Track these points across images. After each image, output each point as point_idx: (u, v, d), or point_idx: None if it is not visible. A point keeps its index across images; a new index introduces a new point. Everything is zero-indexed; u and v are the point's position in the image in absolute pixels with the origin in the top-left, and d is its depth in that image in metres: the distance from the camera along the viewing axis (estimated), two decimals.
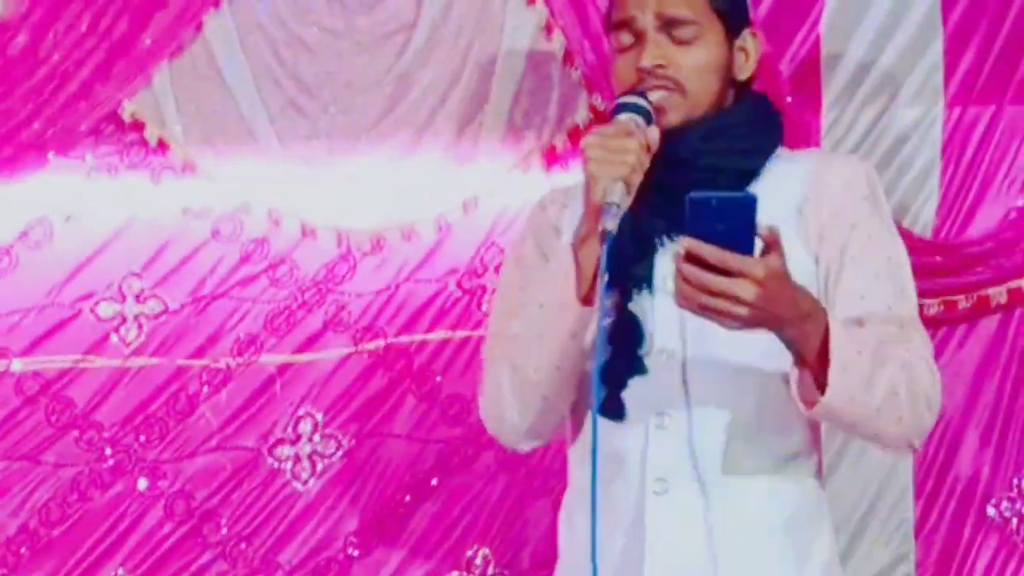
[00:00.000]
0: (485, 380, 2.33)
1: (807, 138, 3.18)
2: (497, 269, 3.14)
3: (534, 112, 3.14)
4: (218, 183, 3.10)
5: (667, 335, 2.23)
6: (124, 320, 3.10)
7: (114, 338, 3.10)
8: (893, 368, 2.16)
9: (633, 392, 2.22)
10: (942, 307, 3.22)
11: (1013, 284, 3.23)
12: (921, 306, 3.14)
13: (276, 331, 3.13)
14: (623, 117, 2.18)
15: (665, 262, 2.18)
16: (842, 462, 3.23)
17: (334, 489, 3.16)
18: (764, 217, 2.06)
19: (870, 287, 2.25)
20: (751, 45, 2.37)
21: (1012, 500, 3.27)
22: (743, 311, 1.99)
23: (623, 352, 2.21)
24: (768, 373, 2.20)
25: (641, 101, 2.21)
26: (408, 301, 3.16)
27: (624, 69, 2.30)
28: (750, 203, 1.97)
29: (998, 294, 3.23)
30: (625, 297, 2.22)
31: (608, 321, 2.19)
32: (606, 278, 2.09)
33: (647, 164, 2.15)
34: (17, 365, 3.07)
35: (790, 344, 2.08)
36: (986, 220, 3.25)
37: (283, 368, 3.14)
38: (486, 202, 3.15)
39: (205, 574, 3.13)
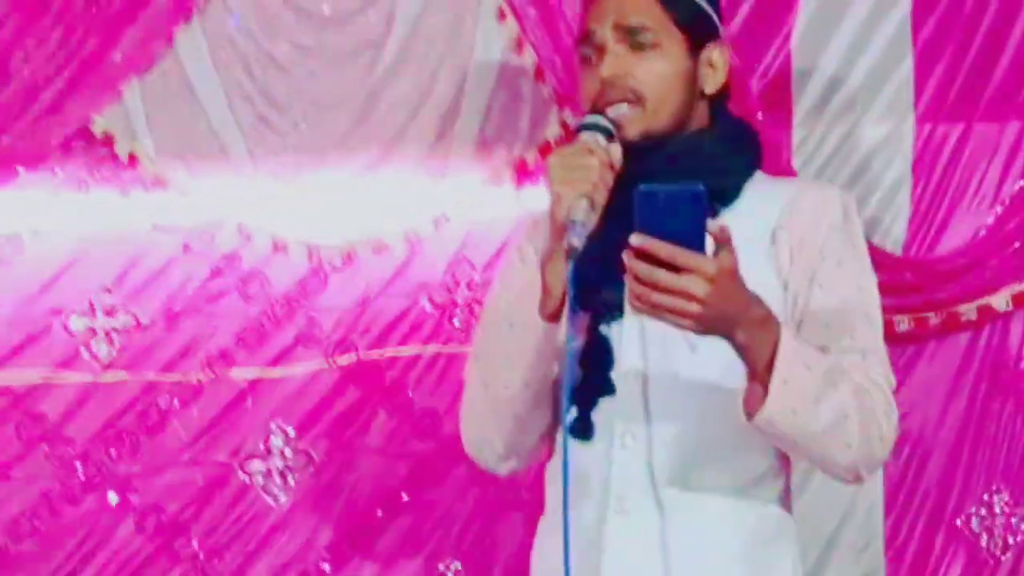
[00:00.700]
0: (464, 401, 2.35)
1: (778, 154, 3.18)
2: (469, 285, 3.15)
3: (505, 127, 3.15)
4: (189, 198, 3.09)
5: (630, 355, 2.23)
6: (95, 335, 3.09)
7: (85, 353, 3.09)
8: (845, 392, 2.15)
9: (598, 411, 2.23)
10: (912, 323, 3.23)
11: (983, 301, 3.24)
12: (891, 322, 3.20)
13: (247, 346, 3.13)
14: (584, 136, 2.19)
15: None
16: (813, 477, 3.23)
17: (306, 503, 3.15)
18: (738, 240, 2.06)
19: (836, 315, 2.25)
20: (718, 59, 2.36)
21: (982, 516, 3.28)
22: (695, 308, 1.98)
23: (593, 373, 2.22)
24: (730, 394, 2.18)
25: (601, 120, 2.22)
26: (379, 316, 3.16)
27: (588, 82, 2.30)
28: (700, 196, 1.95)
29: (968, 311, 3.24)
30: (595, 318, 2.22)
31: (578, 341, 2.20)
32: (571, 294, 2.09)
33: (610, 181, 2.15)
34: None
35: (741, 351, 2.07)
36: (956, 237, 3.26)
37: (254, 383, 3.13)
38: (457, 217, 3.15)
39: None
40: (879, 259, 3.15)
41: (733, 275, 2.02)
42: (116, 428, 3.10)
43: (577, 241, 2.07)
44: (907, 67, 3.24)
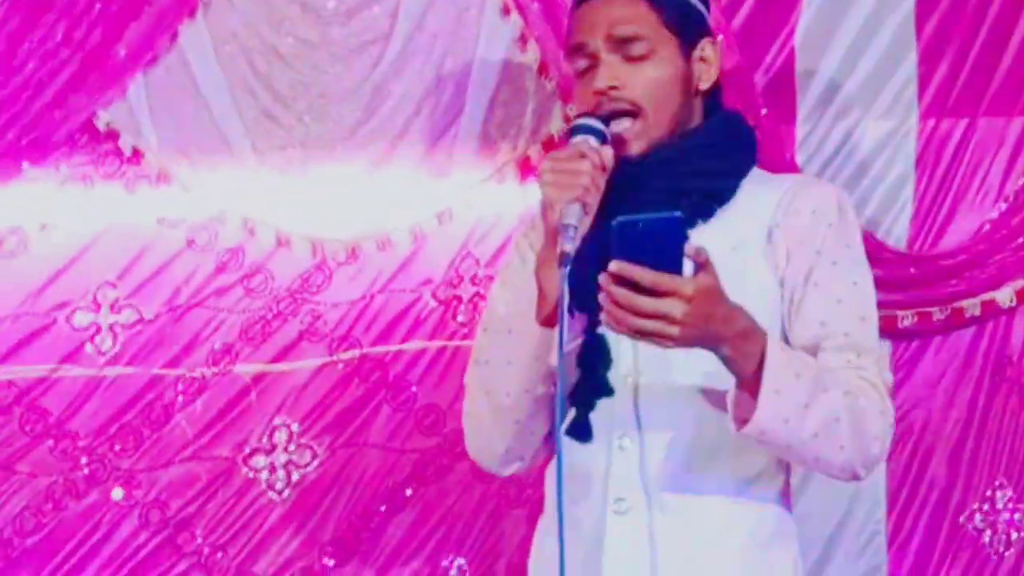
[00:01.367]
0: (466, 406, 2.36)
1: (781, 151, 3.18)
2: (473, 280, 3.15)
3: (509, 123, 3.14)
4: (193, 193, 3.10)
5: (625, 356, 2.24)
6: (99, 329, 3.10)
7: (89, 347, 3.10)
8: (836, 395, 2.16)
9: (598, 413, 2.23)
10: (916, 319, 3.23)
11: (987, 296, 3.23)
12: (895, 318, 3.20)
13: (251, 341, 3.13)
14: (576, 139, 2.20)
15: None
16: (815, 474, 3.23)
17: (309, 499, 3.15)
18: (734, 239, 2.08)
19: (831, 313, 2.25)
20: (711, 53, 2.37)
21: (985, 512, 3.27)
22: (674, 331, 2.00)
23: (591, 374, 2.22)
24: (724, 395, 2.20)
25: (593, 122, 2.22)
26: (383, 311, 3.16)
27: (583, 94, 2.31)
28: (676, 224, 1.97)
29: (972, 306, 3.23)
30: (592, 319, 2.22)
31: (576, 343, 2.20)
32: (567, 300, 2.10)
33: (602, 184, 2.16)
34: None
35: (728, 363, 2.09)
36: (960, 232, 3.26)
37: (258, 378, 3.13)
38: (461, 213, 3.15)
39: None
40: (883, 254, 3.18)
41: (712, 293, 2.02)
42: (120, 423, 3.11)
43: (569, 246, 2.08)
44: (911, 63, 3.23)
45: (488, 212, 3.15)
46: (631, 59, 2.27)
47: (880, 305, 3.15)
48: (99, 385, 3.10)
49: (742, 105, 3.15)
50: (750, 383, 2.09)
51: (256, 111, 3.09)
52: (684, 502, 2.24)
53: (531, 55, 3.14)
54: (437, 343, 3.17)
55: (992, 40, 3.24)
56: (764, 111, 3.17)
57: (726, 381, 2.16)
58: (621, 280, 1.98)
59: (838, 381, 2.18)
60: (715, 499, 2.26)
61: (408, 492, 3.16)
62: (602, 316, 2.03)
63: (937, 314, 3.23)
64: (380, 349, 3.16)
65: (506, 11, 3.13)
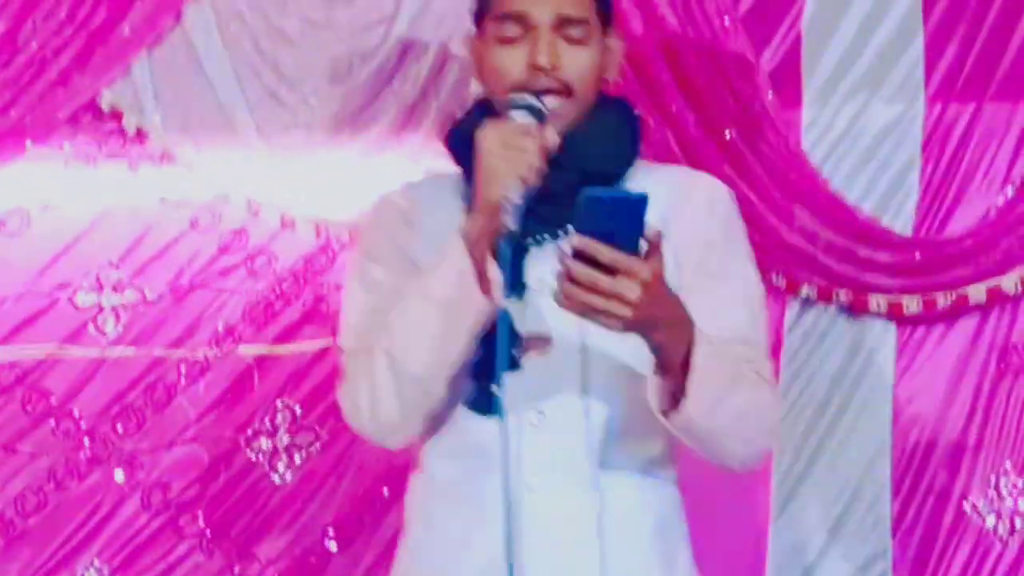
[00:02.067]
0: (353, 374, 2.26)
1: (787, 135, 3.18)
2: None
3: None
4: (197, 173, 3.09)
5: (540, 333, 2.22)
6: (101, 310, 3.09)
7: (91, 328, 3.09)
8: (747, 388, 2.18)
9: (508, 388, 2.18)
10: (921, 305, 3.22)
11: (992, 282, 3.22)
12: (900, 304, 3.20)
13: (254, 322, 3.13)
14: (518, 115, 2.18)
15: (538, 263, 2.20)
16: (820, 459, 3.24)
17: (312, 481, 3.15)
18: None
19: (724, 307, 2.25)
20: (615, 45, 2.38)
21: (990, 498, 3.27)
22: (627, 312, 1.99)
23: (496, 348, 2.18)
24: (637, 376, 2.21)
25: (535, 102, 2.20)
26: None
27: (511, 63, 2.26)
28: (642, 202, 1.97)
29: (977, 292, 3.22)
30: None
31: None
32: (507, 275, 2.11)
33: (542, 167, 2.14)
34: None
35: (658, 350, 2.09)
36: (966, 218, 3.25)
37: (261, 360, 3.13)
38: None
39: (182, 566, 3.13)
40: (888, 240, 3.17)
41: (661, 278, 2.03)
42: (122, 404, 3.11)
43: (512, 222, 2.08)
44: (918, 47, 3.22)
45: None
46: (571, 41, 2.26)
47: (885, 291, 3.20)
48: (101, 366, 3.10)
49: (746, 90, 3.16)
50: (674, 371, 2.10)
51: (261, 92, 3.09)
52: (595, 480, 2.24)
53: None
54: None
55: (999, 25, 3.23)
56: (770, 95, 3.17)
57: (639, 360, 2.17)
58: (580, 255, 1.97)
59: (747, 375, 2.20)
60: (625, 478, 2.27)
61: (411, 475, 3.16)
62: (550, 289, 2.02)
63: (942, 300, 3.22)
64: None
65: None
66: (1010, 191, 3.25)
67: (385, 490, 3.15)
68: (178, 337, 3.12)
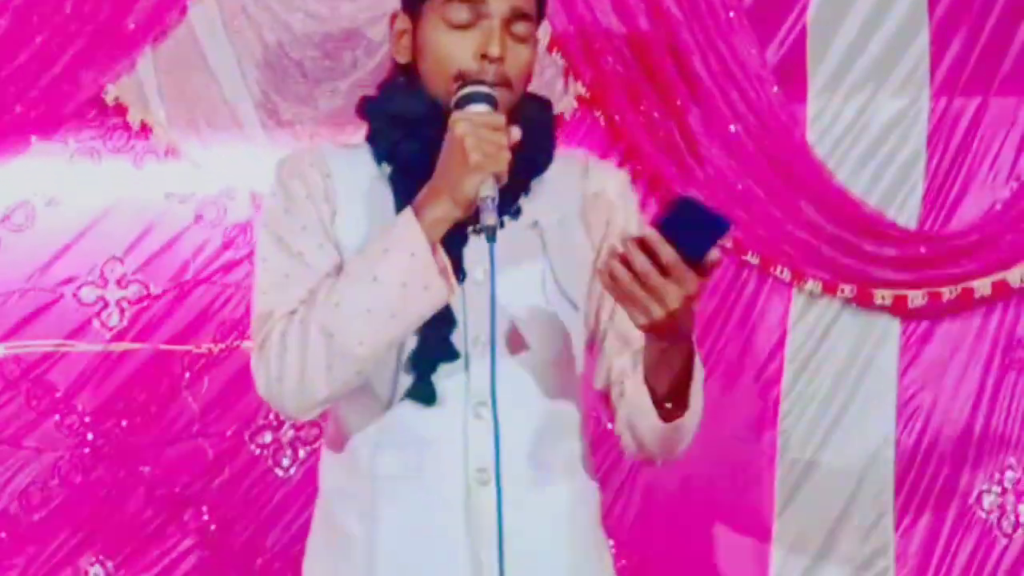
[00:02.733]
0: (279, 343, 2.16)
1: (792, 128, 3.18)
2: None
3: None
4: (201, 168, 3.09)
5: (479, 325, 2.20)
6: (106, 304, 3.09)
7: (96, 323, 3.09)
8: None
9: (451, 380, 2.20)
10: (926, 299, 3.22)
11: (997, 276, 3.23)
12: (905, 297, 3.19)
13: None
14: (483, 108, 2.15)
15: (474, 253, 2.19)
16: (824, 455, 3.24)
17: (315, 475, 3.10)
18: (558, 212, 2.18)
19: None
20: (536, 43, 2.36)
21: (994, 493, 3.27)
22: (661, 314, 2.01)
23: (436, 338, 2.19)
24: (567, 374, 2.25)
25: (491, 91, 2.17)
26: None
27: (459, 50, 2.22)
28: (725, 229, 2.01)
29: (982, 286, 3.23)
30: None
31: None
32: (492, 271, 2.09)
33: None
34: None
35: (663, 354, 2.10)
36: (971, 211, 3.26)
37: None
38: None
39: (186, 560, 3.13)
40: (894, 233, 3.17)
41: (697, 299, 2.04)
42: (127, 399, 3.11)
43: (493, 219, 2.06)
44: (923, 41, 3.23)
45: None
46: (517, 37, 2.23)
47: (890, 284, 3.20)
48: (106, 360, 3.10)
49: (751, 83, 3.16)
50: (672, 380, 2.12)
51: (265, 86, 3.08)
52: (540, 475, 2.24)
53: (541, 31, 3.11)
54: None
55: (1004, 19, 3.24)
56: (775, 89, 3.17)
57: (569, 360, 2.23)
58: (643, 246, 1.99)
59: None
60: (564, 474, 2.28)
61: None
62: (600, 263, 2.03)
63: (947, 294, 3.23)
64: None
65: None
66: (1015, 185, 3.27)
67: None
68: (182, 331, 3.11)
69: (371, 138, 2.30)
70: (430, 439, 2.21)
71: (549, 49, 3.13)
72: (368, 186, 2.25)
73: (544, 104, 2.37)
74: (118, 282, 3.09)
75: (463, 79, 2.19)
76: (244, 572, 3.14)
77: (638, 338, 2.17)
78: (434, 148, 2.14)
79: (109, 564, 3.10)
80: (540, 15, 2.30)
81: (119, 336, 3.10)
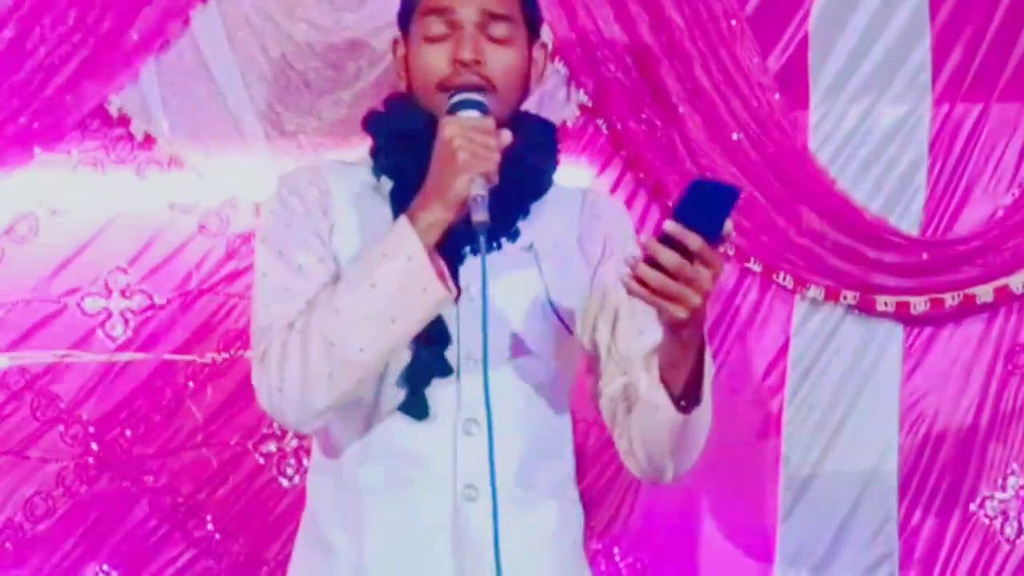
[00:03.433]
0: (279, 354, 2.17)
1: (794, 135, 3.18)
2: None
3: None
4: (205, 178, 3.09)
5: (472, 342, 2.21)
6: (110, 315, 3.09)
7: (100, 333, 3.09)
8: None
9: (442, 395, 2.21)
10: (928, 305, 3.23)
11: (1000, 282, 3.23)
12: (907, 304, 3.20)
13: None
14: (474, 114, 2.17)
15: (469, 271, 2.19)
16: (827, 460, 3.24)
17: None
18: (555, 235, 2.18)
19: (646, 323, 2.20)
20: (540, 57, 2.38)
21: (997, 499, 3.28)
22: (698, 299, 2.01)
23: (430, 352, 2.20)
24: (557, 394, 2.27)
25: (479, 96, 2.19)
26: None
27: (436, 59, 2.25)
28: (736, 196, 2.00)
29: (984, 292, 3.23)
30: None
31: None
32: (484, 268, 2.10)
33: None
34: (2, 360, 3.06)
35: (680, 347, 2.09)
36: (973, 218, 3.26)
37: None
38: None
39: (190, 570, 3.13)
40: (895, 240, 3.18)
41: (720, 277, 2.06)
42: (131, 409, 3.11)
43: (484, 216, 2.08)
44: (924, 47, 3.23)
45: None
46: (495, 40, 2.25)
47: (893, 291, 3.21)
48: (110, 371, 3.10)
49: (753, 91, 3.16)
50: (681, 371, 2.11)
51: (268, 97, 3.09)
52: (528, 494, 2.25)
53: (544, 39, 3.11)
54: None
55: (1006, 25, 3.25)
56: (777, 96, 3.17)
57: (558, 378, 2.25)
58: (667, 241, 1.98)
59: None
60: (551, 494, 2.29)
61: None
62: (623, 274, 2.02)
63: (950, 300, 3.24)
64: None
65: None
66: (1016, 191, 3.27)
67: None
68: (186, 341, 3.11)
69: (373, 152, 2.32)
70: (419, 454, 2.22)
71: (552, 58, 3.13)
72: (366, 200, 2.28)
73: (548, 126, 2.39)
74: (122, 292, 3.10)
75: (444, 87, 2.23)
76: None
77: (640, 353, 2.19)
78: (431, 162, 2.16)
79: (114, 574, 3.10)
80: (528, 16, 2.31)
81: (123, 346, 3.10)
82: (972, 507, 3.29)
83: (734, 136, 3.17)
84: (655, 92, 3.15)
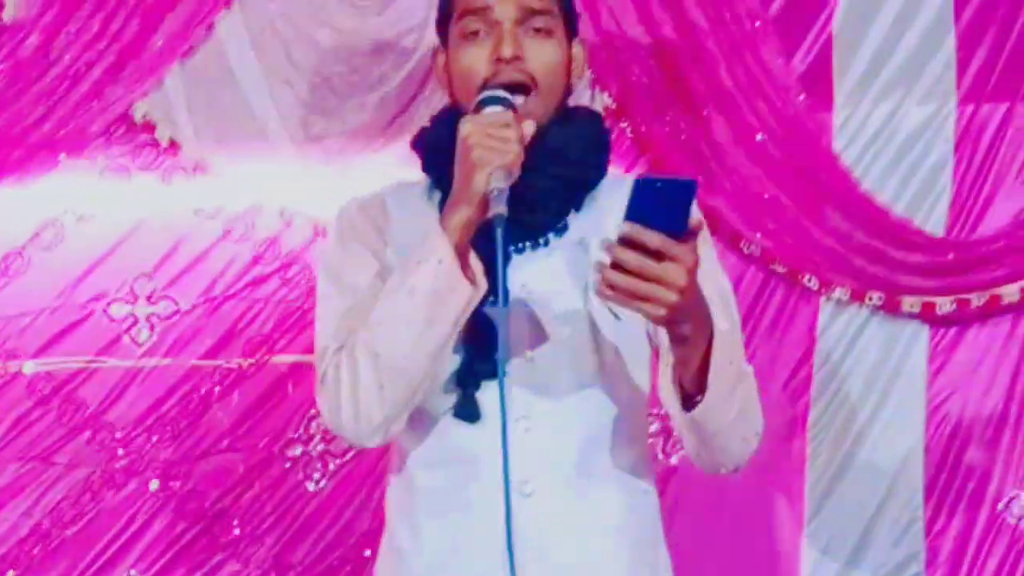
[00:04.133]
0: (334, 374, 2.20)
1: (819, 136, 3.18)
2: None
3: None
4: (229, 183, 3.10)
5: (522, 341, 2.22)
6: (136, 321, 3.10)
7: (126, 339, 3.10)
8: (746, 387, 2.18)
9: (492, 396, 2.19)
10: (954, 306, 3.22)
11: None
12: (933, 304, 3.20)
13: (288, 331, 3.13)
14: (497, 110, 2.15)
15: (519, 270, 2.20)
16: (853, 462, 3.24)
17: (346, 489, 3.16)
18: (605, 232, 2.11)
19: (715, 310, 2.18)
20: (579, 53, 2.36)
21: (1023, 499, 3.27)
22: (672, 297, 1.99)
23: (478, 355, 2.20)
24: (615, 385, 2.24)
25: (508, 96, 2.18)
26: None
27: (476, 60, 2.24)
28: (692, 188, 1.97)
29: (1010, 293, 3.22)
30: (481, 301, 2.19)
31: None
32: (502, 259, 2.08)
33: (522, 157, 2.13)
34: (29, 366, 3.07)
35: (682, 342, 2.08)
36: (998, 218, 3.25)
37: (295, 368, 3.13)
38: None
39: (217, 574, 3.13)
40: (921, 241, 3.17)
41: (697, 268, 2.03)
42: (157, 414, 3.12)
43: (503, 208, 2.07)
44: (949, 48, 3.23)
45: None
46: (536, 32, 2.25)
47: (918, 292, 3.20)
48: (136, 376, 3.11)
49: (777, 92, 3.16)
50: (692, 366, 2.10)
51: (293, 101, 3.09)
52: (585, 486, 2.24)
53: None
54: None
55: None
56: (801, 97, 3.17)
57: (620, 368, 2.22)
58: (627, 242, 1.97)
59: (746, 373, 2.20)
60: (617, 484, 2.27)
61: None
62: (592, 281, 2.01)
63: (975, 300, 3.23)
64: None
65: None
66: None
67: None
68: (212, 347, 3.12)
69: (424, 168, 2.34)
70: (471, 454, 2.22)
71: None
72: (420, 215, 2.28)
73: (595, 117, 2.38)
74: (148, 298, 3.10)
75: (487, 87, 2.21)
76: None
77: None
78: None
79: None
80: (566, 12, 2.30)
81: (149, 352, 3.11)
82: (999, 507, 3.28)
83: (758, 137, 3.16)
84: (680, 94, 3.15)
